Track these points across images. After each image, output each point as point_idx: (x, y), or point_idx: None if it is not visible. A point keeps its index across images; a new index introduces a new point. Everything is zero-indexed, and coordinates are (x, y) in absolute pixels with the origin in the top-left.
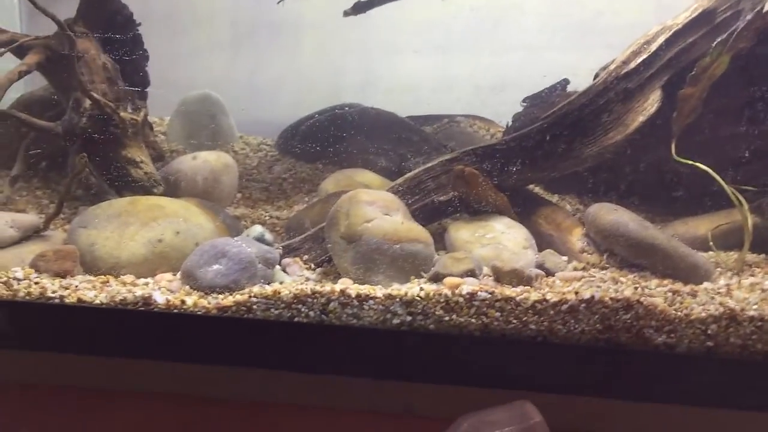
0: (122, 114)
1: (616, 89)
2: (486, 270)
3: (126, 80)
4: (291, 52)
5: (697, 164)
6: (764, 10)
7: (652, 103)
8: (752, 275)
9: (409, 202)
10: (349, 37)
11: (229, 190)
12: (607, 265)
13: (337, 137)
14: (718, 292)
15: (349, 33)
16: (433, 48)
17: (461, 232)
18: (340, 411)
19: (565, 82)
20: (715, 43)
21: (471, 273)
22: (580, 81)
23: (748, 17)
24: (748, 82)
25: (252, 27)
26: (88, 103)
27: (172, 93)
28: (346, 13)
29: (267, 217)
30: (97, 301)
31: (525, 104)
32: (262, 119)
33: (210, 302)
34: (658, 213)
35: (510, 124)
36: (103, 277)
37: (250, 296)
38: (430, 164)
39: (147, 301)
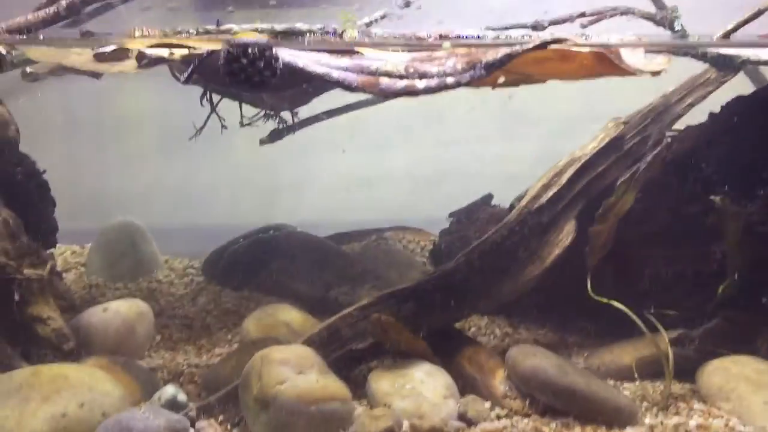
0: (25, 271)
1: (530, 224)
2: (406, 425)
3: (30, 231)
4: (225, 156)
5: (612, 302)
6: (666, 150)
7: (567, 234)
8: (677, 413)
9: (326, 352)
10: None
11: (144, 340)
12: (530, 412)
13: (263, 263)
14: None
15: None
16: (369, 145)
17: (381, 382)
18: None
19: (489, 197)
20: (618, 182)
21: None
22: (515, 169)
23: (648, 158)
24: (661, 210)
25: (183, 132)
26: None
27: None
28: (263, 143)
29: (185, 367)
30: None
31: (452, 219)
32: (196, 224)
33: None
34: (590, 334)
35: (437, 241)
36: None
37: None
38: (345, 311)
39: None
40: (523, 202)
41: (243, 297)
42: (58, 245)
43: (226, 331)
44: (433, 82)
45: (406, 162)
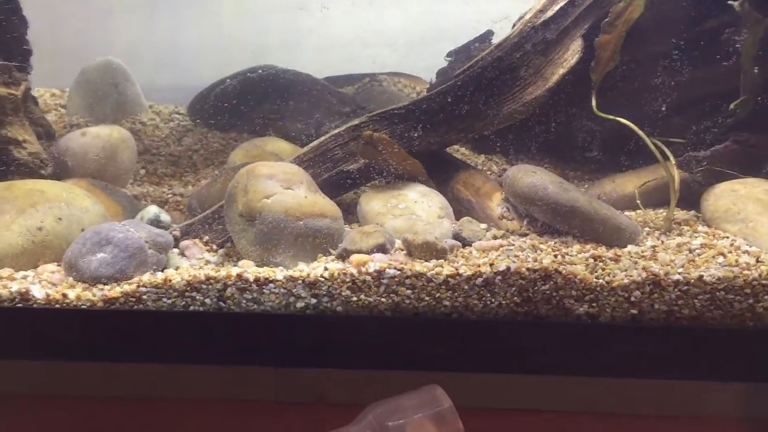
0: None
1: (534, 40)
2: (398, 243)
3: (2, 52)
4: (212, 11)
5: (619, 119)
6: None
7: (572, 53)
8: (680, 234)
9: (316, 172)
10: None
11: (127, 167)
12: (528, 232)
13: (250, 103)
14: (642, 256)
15: None
16: (361, 1)
17: (373, 203)
18: (245, 402)
19: (489, 33)
20: None
21: (381, 248)
22: None
23: None
24: (675, 25)
25: None
26: None
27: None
28: None
29: (170, 195)
30: None
31: (450, 59)
32: (183, 84)
33: (95, 294)
34: (590, 169)
35: (433, 80)
36: None
37: (138, 286)
38: (336, 131)
39: (24, 296)
40: (527, 16)
41: (231, 138)
42: (36, 89)
43: (213, 168)
44: None
45: (402, 19)
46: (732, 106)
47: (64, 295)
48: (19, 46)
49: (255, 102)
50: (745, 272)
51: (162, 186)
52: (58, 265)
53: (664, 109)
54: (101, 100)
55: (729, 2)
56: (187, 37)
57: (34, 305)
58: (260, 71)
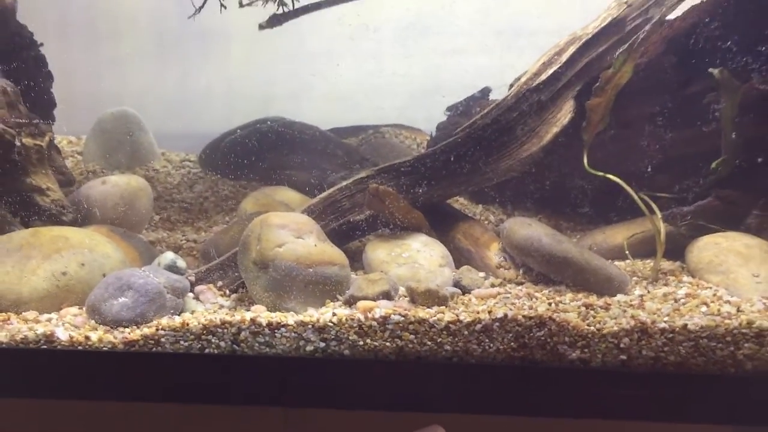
0: (24, 140)
1: (529, 101)
2: (402, 290)
3: (29, 103)
4: (220, 62)
5: (608, 176)
6: (664, 20)
7: (565, 113)
8: (666, 284)
9: (325, 222)
10: (279, 44)
11: (143, 214)
12: (524, 280)
13: (260, 153)
14: (631, 305)
15: (278, 40)
16: (365, 54)
17: (378, 251)
18: None
19: (487, 90)
20: (618, 52)
21: (386, 295)
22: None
23: (647, 27)
24: (661, 90)
25: (178, 36)
26: None
27: (93, 108)
28: (261, 27)
29: (183, 241)
30: None
31: (449, 113)
32: (192, 132)
33: (116, 337)
34: (582, 221)
35: (433, 134)
36: (3, 314)
37: (157, 329)
38: (344, 183)
39: (49, 338)
40: (523, 79)
41: (240, 185)
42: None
43: (224, 215)
44: None
45: (404, 72)
46: (714, 164)
47: (87, 338)
48: (45, 98)
49: (264, 152)
50: (727, 321)
51: (175, 232)
52: (80, 308)
53: (649, 169)
54: (117, 148)
55: (709, 70)
56: (194, 86)
57: (58, 347)
58: (269, 122)
